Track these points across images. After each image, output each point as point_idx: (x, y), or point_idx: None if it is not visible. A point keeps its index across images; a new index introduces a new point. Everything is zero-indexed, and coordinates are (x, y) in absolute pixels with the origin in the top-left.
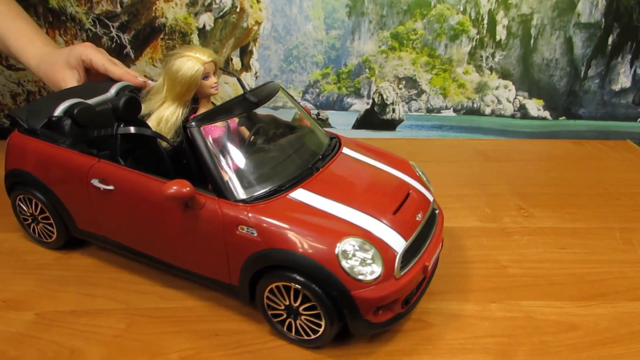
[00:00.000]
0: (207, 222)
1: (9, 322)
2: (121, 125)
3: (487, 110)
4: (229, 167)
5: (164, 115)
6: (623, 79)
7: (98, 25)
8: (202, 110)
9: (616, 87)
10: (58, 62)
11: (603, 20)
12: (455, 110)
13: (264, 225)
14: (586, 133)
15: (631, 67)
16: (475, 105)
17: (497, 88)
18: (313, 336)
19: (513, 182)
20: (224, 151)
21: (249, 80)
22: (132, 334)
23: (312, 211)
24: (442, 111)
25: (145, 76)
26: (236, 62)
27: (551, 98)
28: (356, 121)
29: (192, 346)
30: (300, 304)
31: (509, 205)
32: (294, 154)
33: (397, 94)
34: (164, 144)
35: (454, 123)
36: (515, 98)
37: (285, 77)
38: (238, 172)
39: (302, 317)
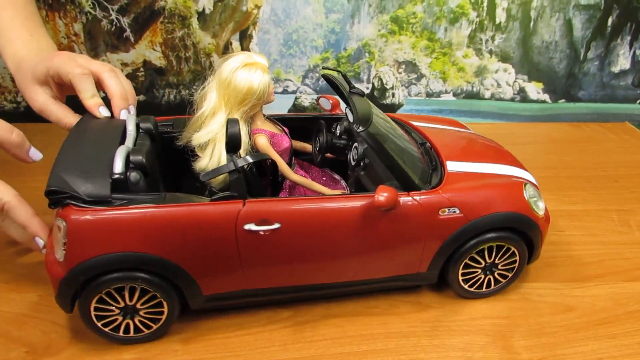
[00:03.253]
0: (408, 217)
1: (12, 303)
2: (236, 156)
3: (487, 94)
4: (404, 159)
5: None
6: (622, 61)
7: (97, 8)
8: (257, 120)
9: (615, 69)
10: (28, 76)
11: (602, 1)
12: (454, 94)
13: (463, 200)
14: (585, 115)
15: (630, 48)
16: (474, 89)
17: (496, 71)
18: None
19: None
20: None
21: None
22: None
23: (477, 176)
24: (441, 95)
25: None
26: (236, 46)
27: (551, 81)
28: None
29: (193, 328)
30: (496, 258)
31: None
32: (398, 133)
33: (396, 78)
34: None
35: (454, 107)
36: (514, 81)
37: (285, 62)
38: (407, 161)
39: (497, 272)
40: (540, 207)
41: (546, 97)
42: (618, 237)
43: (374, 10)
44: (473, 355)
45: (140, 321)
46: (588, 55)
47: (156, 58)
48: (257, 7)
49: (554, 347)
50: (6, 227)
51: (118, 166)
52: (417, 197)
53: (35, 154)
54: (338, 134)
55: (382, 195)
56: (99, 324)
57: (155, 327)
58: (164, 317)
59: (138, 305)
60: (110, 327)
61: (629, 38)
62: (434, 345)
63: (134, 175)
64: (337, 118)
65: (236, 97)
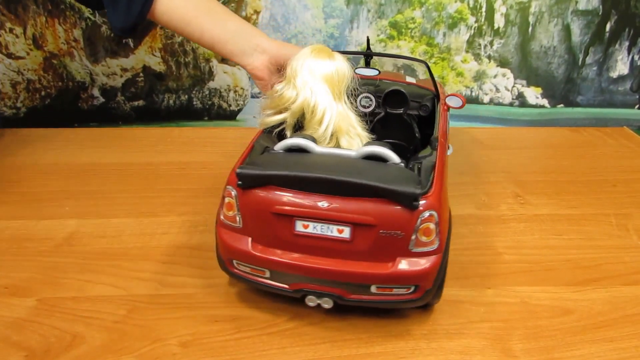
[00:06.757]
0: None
1: (11, 308)
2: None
3: (486, 99)
4: None
5: (354, 114)
6: (621, 66)
7: (97, 14)
8: None
9: (614, 74)
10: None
11: (601, 7)
12: None
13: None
14: (584, 120)
15: (629, 54)
16: (473, 93)
17: (495, 76)
18: None
19: (510, 170)
20: None
21: None
22: (133, 319)
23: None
24: None
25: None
26: None
27: (549, 86)
28: None
29: (191, 332)
30: None
31: (505, 193)
32: None
33: None
34: None
35: (452, 111)
36: (513, 86)
37: None
38: None
39: None
40: None
41: (545, 102)
42: (616, 241)
43: (373, 16)
44: (471, 358)
45: None
46: (586, 61)
47: (156, 63)
48: (256, 12)
49: (552, 350)
50: None
51: (395, 158)
52: None
53: None
54: None
55: (461, 99)
56: None
57: None
58: None
59: None
60: None
61: (627, 43)
62: (432, 349)
63: (403, 163)
64: None
65: (344, 83)
